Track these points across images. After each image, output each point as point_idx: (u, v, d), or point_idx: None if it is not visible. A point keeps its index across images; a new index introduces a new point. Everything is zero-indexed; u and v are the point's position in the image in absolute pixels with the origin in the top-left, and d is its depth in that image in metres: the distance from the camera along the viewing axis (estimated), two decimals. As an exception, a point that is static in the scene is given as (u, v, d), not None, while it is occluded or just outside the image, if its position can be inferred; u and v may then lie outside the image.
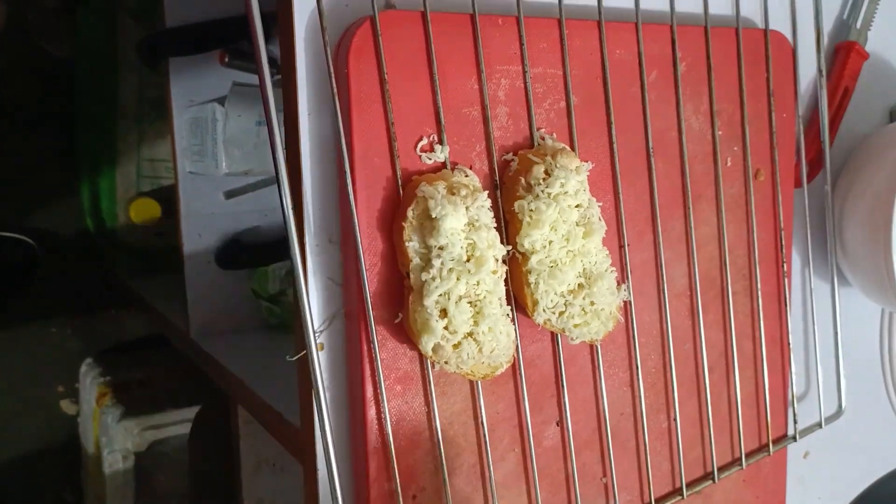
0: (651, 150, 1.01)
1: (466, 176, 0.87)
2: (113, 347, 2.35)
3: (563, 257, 0.88)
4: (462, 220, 0.82)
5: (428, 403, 0.89)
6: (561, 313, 0.89)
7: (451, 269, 0.82)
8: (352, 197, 0.82)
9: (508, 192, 0.89)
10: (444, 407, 0.90)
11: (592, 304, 0.90)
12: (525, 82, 0.91)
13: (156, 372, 2.16)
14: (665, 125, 1.03)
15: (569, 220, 0.88)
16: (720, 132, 1.08)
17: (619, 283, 0.97)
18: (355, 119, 0.81)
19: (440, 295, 0.82)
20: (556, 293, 0.88)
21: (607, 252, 0.92)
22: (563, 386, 0.98)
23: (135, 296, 2.02)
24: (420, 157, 0.86)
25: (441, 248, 0.82)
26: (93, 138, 2.19)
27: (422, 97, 0.85)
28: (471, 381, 0.92)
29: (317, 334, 0.87)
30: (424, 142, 0.86)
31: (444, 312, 0.82)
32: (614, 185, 0.99)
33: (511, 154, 0.91)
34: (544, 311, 0.88)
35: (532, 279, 0.87)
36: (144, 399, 2.10)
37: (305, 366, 0.86)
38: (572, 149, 0.96)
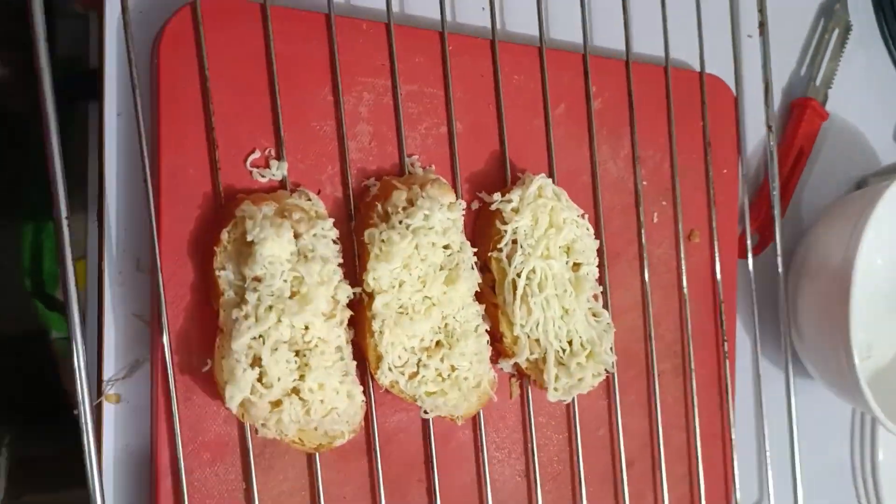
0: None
1: (309, 200, 0.73)
2: None
3: (417, 304, 0.71)
4: (287, 248, 0.67)
5: (247, 478, 0.71)
6: (412, 375, 0.72)
7: (269, 308, 0.66)
8: (153, 212, 0.67)
9: (363, 221, 0.74)
10: (269, 484, 0.72)
11: (453, 369, 0.73)
12: (395, 99, 0.78)
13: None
14: (575, 167, 0.89)
15: (429, 260, 0.72)
16: (644, 182, 0.93)
17: (501, 354, 0.81)
18: (164, 121, 0.68)
19: (253, 338, 0.66)
20: (404, 348, 0.71)
21: (478, 309, 0.76)
22: (433, 469, 0.80)
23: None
24: (251, 173, 0.71)
25: (257, 280, 0.66)
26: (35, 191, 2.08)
27: (258, 103, 0.72)
28: (308, 456, 0.74)
29: (109, 384, 0.70)
30: (257, 155, 0.72)
31: (258, 360, 0.66)
32: (507, 230, 0.84)
33: (373, 180, 0.77)
34: (390, 369, 0.71)
35: (376, 326, 0.71)
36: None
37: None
38: (452, 184, 0.81)
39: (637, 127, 0.92)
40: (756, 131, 1.07)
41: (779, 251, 1.03)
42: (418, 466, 0.80)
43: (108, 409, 0.71)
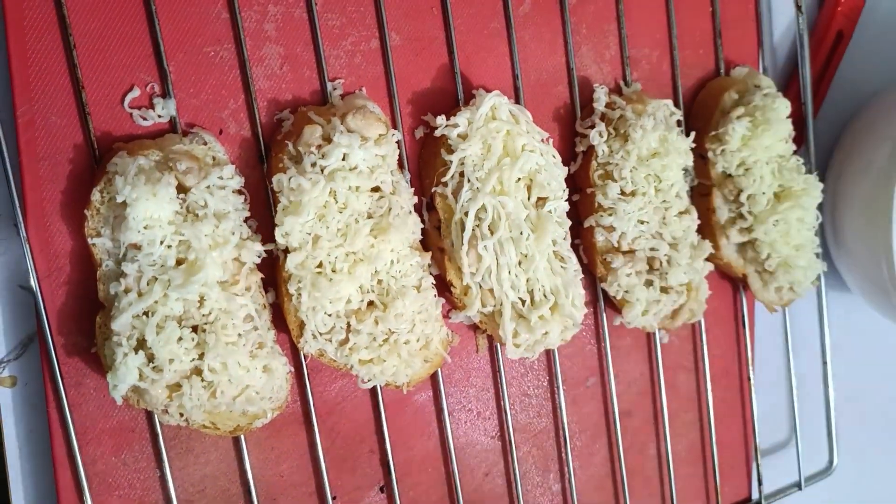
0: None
1: (205, 144, 0.61)
2: None
3: (339, 261, 0.60)
4: (167, 208, 0.56)
5: (160, 465, 0.63)
6: (342, 342, 0.62)
7: (153, 279, 0.56)
8: (10, 173, 0.56)
9: (274, 165, 0.62)
10: (187, 469, 0.64)
11: (391, 332, 0.62)
12: (309, 10, 0.64)
13: None
14: (547, 77, 0.74)
15: (351, 208, 0.60)
16: (639, 87, 0.78)
17: (453, 307, 0.69)
18: (15, 58, 0.56)
19: (136, 316, 0.56)
20: (327, 312, 0.60)
21: (420, 259, 0.64)
22: (385, 439, 0.70)
23: None
24: (131, 115, 0.60)
25: (135, 248, 0.56)
26: None
27: (132, 29, 0.59)
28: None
29: (3, 366, 0.62)
30: (136, 93, 0.60)
31: (144, 341, 0.56)
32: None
33: (287, 112, 0.64)
34: (314, 336, 0.61)
35: (293, 289, 0.60)
36: None
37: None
38: (389, 109, 0.68)
39: (626, 20, 0.76)
40: (785, 14, 0.89)
41: (812, 155, 0.87)
42: (369, 437, 0.70)
43: (5, 394, 0.63)
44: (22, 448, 0.63)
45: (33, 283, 0.57)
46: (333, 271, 0.60)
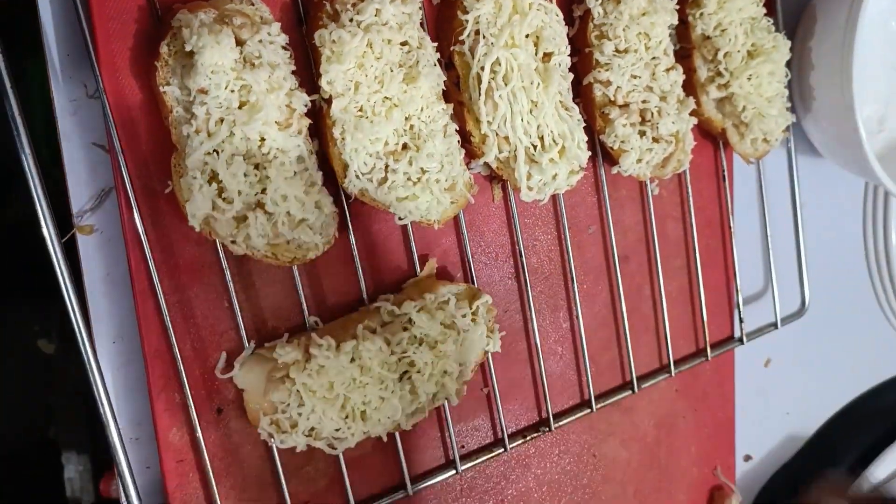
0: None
1: (252, 5, 0.68)
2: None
3: (377, 106, 0.68)
4: (229, 56, 0.63)
5: (228, 298, 0.72)
6: (381, 182, 0.70)
7: (220, 120, 0.64)
8: (87, 32, 0.64)
9: (314, 24, 0.70)
10: (250, 301, 0.73)
11: (423, 171, 0.71)
12: None
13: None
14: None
15: (386, 58, 0.68)
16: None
17: (473, 157, 0.78)
18: (83, -73, 0.63)
19: (207, 153, 0.64)
20: (368, 153, 0.69)
21: (445, 107, 0.72)
22: (416, 274, 0.80)
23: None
24: (186, -20, 0.67)
25: (203, 93, 0.63)
26: None
27: None
28: (287, 270, 0.74)
29: (79, 216, 0.70)
30: (191, -41, 0.67)
31: (215, 176, 0.65)
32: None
33: (322, -22, 0.72)
34: (357, 176, 0.69)
35: (337, 133, 0.68)
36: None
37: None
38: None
39: None
40: None
41: (779, 21, 0.96)
42: (403, 277, 0.80)
43: (84, 241, 0.70)
44: (99, 289, 0.71)
45: (112, 132, 0.65)
46: (373, 114, 0.68)
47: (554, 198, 0.86)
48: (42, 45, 0.67)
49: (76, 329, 0.64)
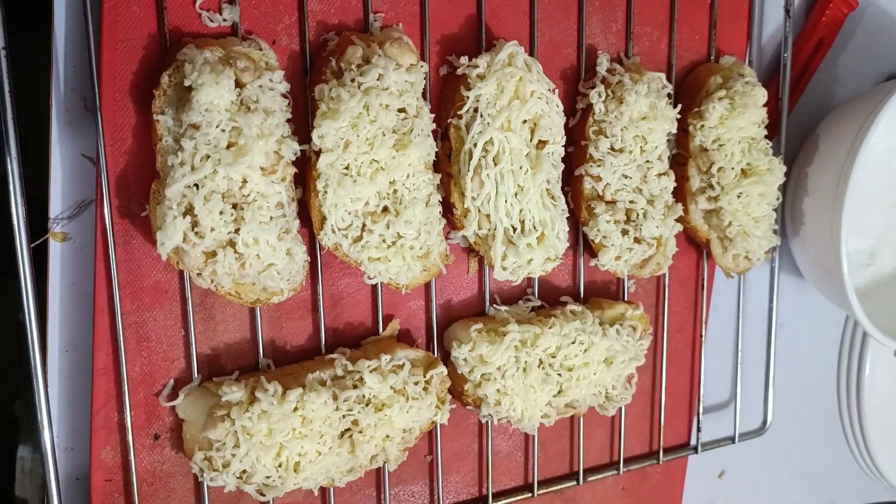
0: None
1: (260, 49, 0.70)
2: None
3: (364, 166, 0.69)
4: (226, 96, 0.65)
5: (185, 326, 0.72)
6: (356, 240, 0.71)
7: (206, 157, 0.65)
8: (93, 49, 0.65)
9: (317, 77, 0.72)
10: (207, 333, 0.73)
11: (399, 236, 0.72)
12: (362, -53, 0.73)
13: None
14: (560, 38, 0.84)
15: (380, 122, 0.69)
16: (637, 59, 0.88)
17: (452, 228, 0.79)
18: (107, -50, 0.65)
19: (188, 186, 0.65)
20: (347, 210, 0.70)
21: (431, 177, 0.73)
22: (378, 332, 0.80)
23: None
24: (200, 15, 0.69)
25: (194, 128, 0.65)
26: None
27: (210, -59, 0.68)
28: (251, 310, 0.75)
29: (55, 222, 0.71)
30: (207, -3, 0.69)
31: (192, 209, 0.65)
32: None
33: (332, 34, 0.73)
34: (333, 230, 0.70)
35: (320, 186, 0.69)
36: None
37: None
38: (420, 46, 0.77)
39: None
40: (776, 16, 0.99)
41: (782, 145, 0.98)
42: (366, 333, 0.80)
43: (55, 248, 0.71)
44: (63, 297, 0.71)
45: (100, 147, 0.66)
46: (358, 174, 0.69)
47: (529, 279, 0.86)
48: (51, 51, 0.68)
49: (28, 331, 0.65)
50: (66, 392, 0.72)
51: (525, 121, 0.76)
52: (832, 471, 1.22)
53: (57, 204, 0.71)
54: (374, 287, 0.79)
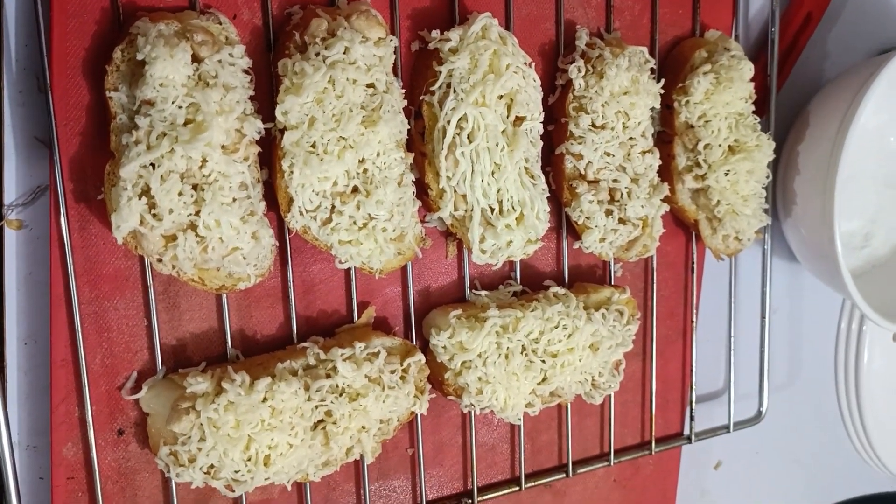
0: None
1: (220, 24, 0.67)
2: None
3: (330, 144, 0.66)
4: (182, 71, 0.61)
5: (148, 315, 0.69)
6: (325, 222, 0.68)
7: (162, 135, 0.62)
8: (42, 25, 0.62)
9: (280, 52, 0.69)
10: (172, 323, 0.70)
11: (370, 218, 0.69)
12: (326, -82, 0.70)
13: None
14: (538, 13, 0.81)
15: (347, 97, 0.66)
16: (618, 34, 0.85)
17: (428, 210, 0.76)
18: (55, -79, 0.62)
19: (143, 166, 0.62)
20: (315, 191, 0.67)
21: (403, 156, 0.70)
22: (353, 320, 0.77)
23: None
24: (156, -11, 0.66)
25: (149, 104, 0.61)
26: None
27: (165, -89, 0.65)
28: (217, 297, 0.72)
29: (10, 209, 0.68)
30: (162, -31, 0.66)
31: (149, 190, 0.62)
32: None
33: (297, 7, 0.70)
34: (301, 212, 0.67)
35: (285, 165, 0.66)
36: None
37: None
38: (390, 20, 0.74)
39: (614, -28, 0.83)
40: (759, -9, 0.96)
41: (772, 122, 0.94)
42: (340, 321, 0.77)
43: (10, 236, 0.68)
44: (20, 287, 0.68)
45: (52, 129, 0.63)
46: (325, 152, 0.66)
47: (510, 263, 0.83)
48: (0, 30, 0.65)
49: (-20, 325, 0.61)
50: (26, 387, 0.69)
51: (501, 96, 0.73)
52: (831, 460, 1.18)
53: (11, 190, 0.67)
54: (348, 272, 0.76)
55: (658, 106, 0.82)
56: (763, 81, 0.93)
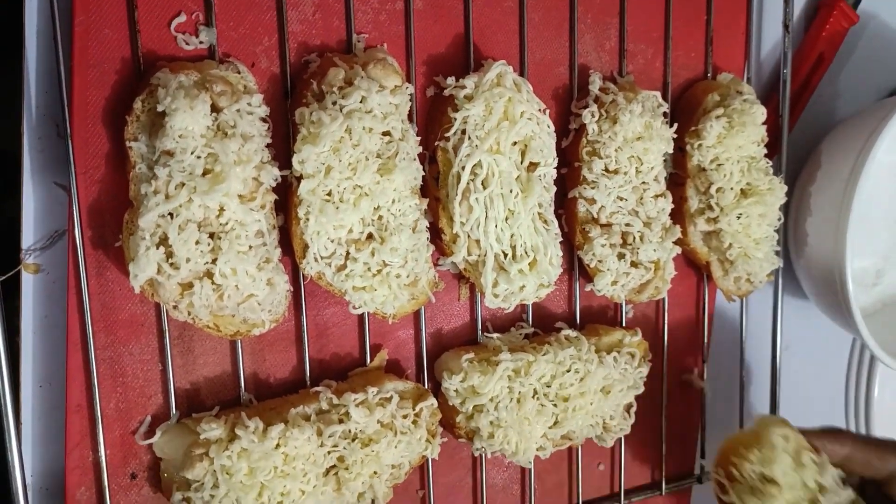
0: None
1: (238, 73, 0.67)
2: None
3: (347, 192, 0.67)
4: (201, 122, 0.62)
5: (163, 360, 0.69)
6: (340, 268, 0.68)
7: (181, 185, 0.62)
8: (63, 73, 0.63)
9: (298, 100, 0.69)
10: (187, 367, 0.71)
11: (384, 264, 0.69)
12: (343, -33, 0.71)
13: None
14: (552, 57, 0.82)
15: (363, 146, 0.67)
16: (631, 78, 0.85)
17: (441, 254, 0.76)
18: (78, -27, 0.62)
19: (162, 216, 0.62)
20: (330, 238, 0.67)
21: (418, 203, 0.70)
22: (366, 363, 0.77)
23: None
24: (176, 38, 0.66)
25: (168, 154, 0.62)
26: None
27: (186, -39, 0.66)
28: (231, 342, 0.72)
29: (28, 253, 0.68)
30: (183, 18, 0.66)
31: (166, 239, 0.63)
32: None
33: (314, 55, 0.71)
34: (316, 259, 0.67)
35: (301, 213, 0.66)
36: None
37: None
38: (405, 67, 0.75)
39: (628, 16, 0.84)
40: (775, 32, 0.97)
41: (783, 163, 0.95)
42: (352, 364, 0.77)
43: (28, 279, 0.69)
44: (36, 331, 0.69)
45: (71, 176, 0.64)
46: (341, 200, 0.67)
47: (522, 305, 0.83)
48: (22, 79, 0.66)
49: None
50: (41, 430, 0.69)
51: (515, 142, 0.73)
52: (842, 497, 1.17)
53: (29, 234, 0.68)
54: (361, 316, 0.76)
55: (671, 150, 0.82)
56: (775, 122, 0.93)
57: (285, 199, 0.69)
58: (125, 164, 0.65)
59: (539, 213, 0.74)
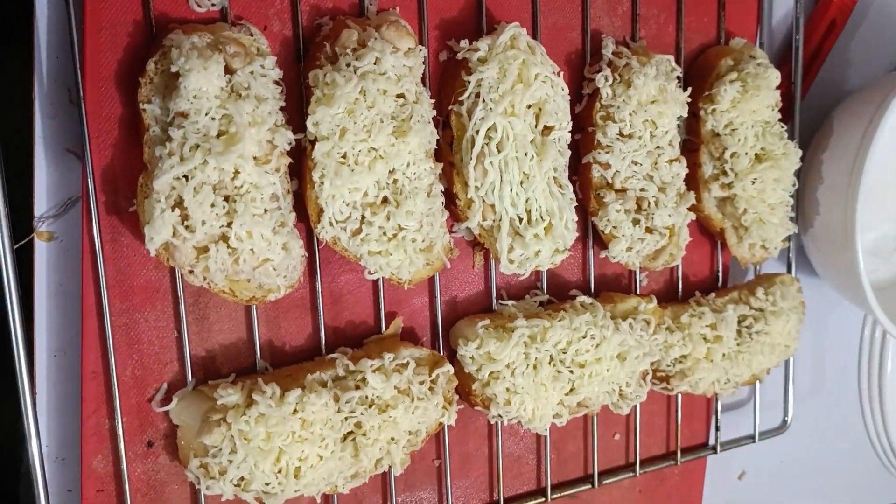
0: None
1: (251, 35, 0.67)
2: None
3: (361, 155, 0.66)
4: (215, 83, 0.61)
5: (178, 326, 0.69)
6: (355, 232, 0.68)
7: (195, 147, 0.61)
8: (75, 38, 0.62)
9: (311, 63, 0.69)
10: (202, 334, 0.70)
11: (400, 228, 0.68)
12: (355, -71, 0.70)
13: None
14: (564, 21, 0.81)
15: (378, 108, 0.66)
16: (644, 43, 0.85)
17: (455, 220, 0.76)
18: (88, -67, 0.62)
19: (177, 178, 0.62)
20: (345, 201, 0.66)
21: (433, 166, 0.70)
22: (381, 331, 0.76)
23: None
24: (188, 0, 0.66)
25: (182, 116, 0.61)
26: None
27: (197, -78, 0.65)
28: (246, 308, 0.71)
29: (41, 221, 0.68)
30: (194, -19, 0.66)
31: (181, 202, 0.62)
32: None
33: (326, 18, 0.70)
34: (331, 223, 0.67)
35: (316, 176, 0.66)
36: None
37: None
38: (418, 30, 0.74)
39: (640, -18, 0.83)
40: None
41: (796, 131, 0.94)
42: (367, 331, 0.77)
43: (41, 247, 0.68)
44: (50, 299, 0.68)
45: (84, 141, 0.63)
46: (356, 163, 0.66)
47: (537, 273, 0.83)
48: (33, 45, 0.65)
49: (12, 336, 0.61)
50: (56, 399, 0.69)
51: (529, 105, 0.73)
52: (855, 470, 1.17)
53: (42, 202, 0.67)
54: (376, 283, 0.76)
55: (685, 113, 0.82)
56: (787, 89, 0.93)
57: (299, 164, 0.69)
58: (138, 128, 0.64)
59: (554, 178, 0.74)
